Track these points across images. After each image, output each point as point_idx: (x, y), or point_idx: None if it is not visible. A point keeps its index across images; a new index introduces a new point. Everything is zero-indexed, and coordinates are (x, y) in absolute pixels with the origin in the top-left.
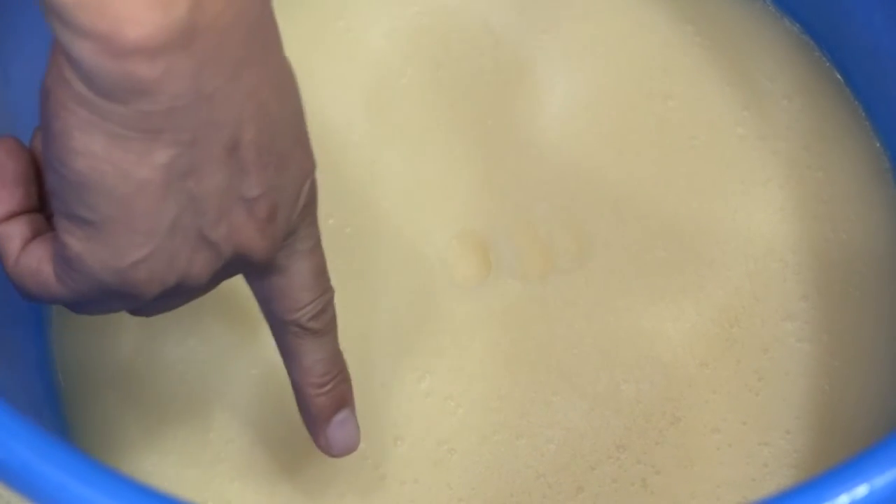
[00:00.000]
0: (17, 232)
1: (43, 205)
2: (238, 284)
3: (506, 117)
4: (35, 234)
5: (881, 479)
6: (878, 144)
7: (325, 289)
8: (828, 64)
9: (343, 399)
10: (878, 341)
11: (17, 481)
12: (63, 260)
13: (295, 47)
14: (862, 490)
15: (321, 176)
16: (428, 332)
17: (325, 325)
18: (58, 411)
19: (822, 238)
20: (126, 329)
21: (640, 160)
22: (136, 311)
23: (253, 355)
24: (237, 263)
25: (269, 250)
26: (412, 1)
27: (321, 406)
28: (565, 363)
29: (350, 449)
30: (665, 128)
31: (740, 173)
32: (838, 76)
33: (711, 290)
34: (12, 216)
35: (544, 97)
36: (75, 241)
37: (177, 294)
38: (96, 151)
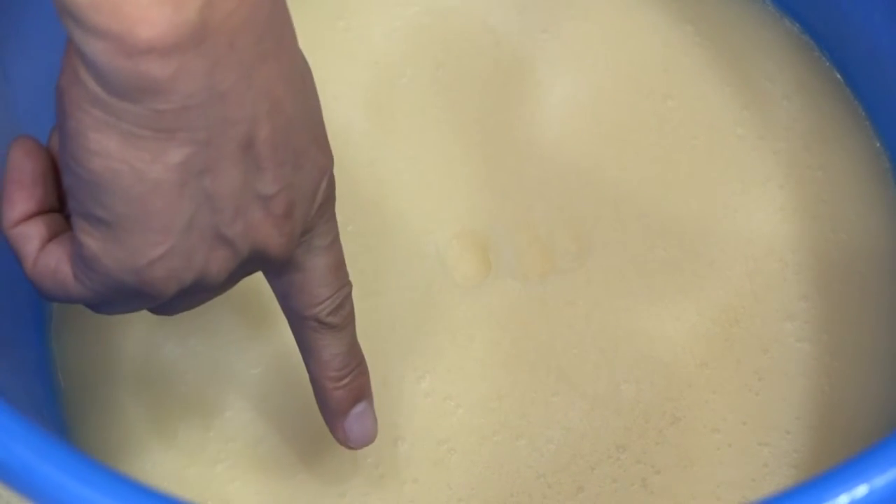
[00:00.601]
0: (35, 232)
1: (62, 204)
2: (239, 284)
3: (506, 117)
4: (53, 235)
5: (881, 479)
6: (878, 144)
7: (343, 283)
8: (828, 64)
9: (361, 392)
10: (878, 342)
11: (17, 481)
12: (80, 260)
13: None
14: (862, 490)
15: None
16: (428, 332)
17: (344, 319)
18: (58, 411)
19: (822, 238)
20: (126, 329)
21: (640, 160)
22: (156, 310)
23: (253, 355)
24: (255, 261)
25: (287, 247)
26: (412, 1)
27: (339, 399)
28: (565, 363)
29: (368, 441)
30: (665, 128)
31: (740, 173)
32: (838, 76)
33: (711, 290)
34: (31, 216)
35: (544, 97)
36: (92, 241)
37: (195, 292)
38: (111, 151)
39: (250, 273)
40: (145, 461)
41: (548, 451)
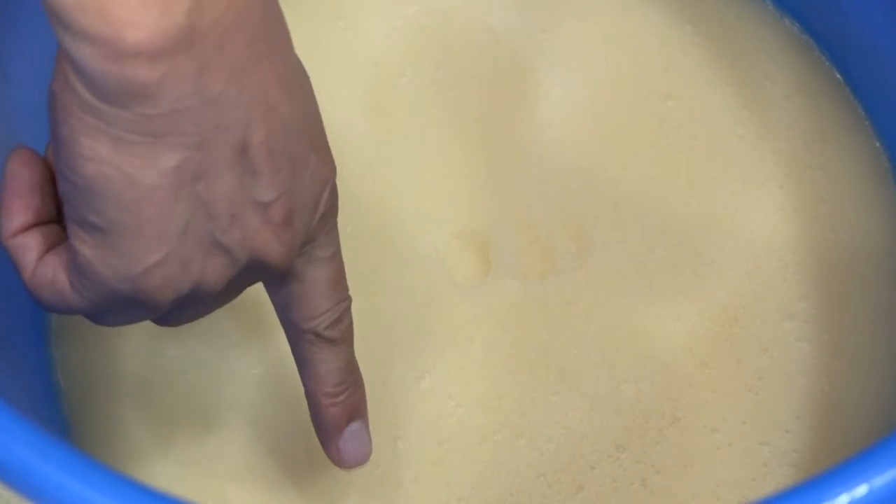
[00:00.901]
0: (33, 243)
1: (60, 215)
2: None
3: (506, 117)
4: (51, 246)
5: (881, 479)
6: (878, 144)
7: (342, 297)
8: (828, 64)
9: (356, 409)
10: (878, 341)
11: (17, 481)
12: (76, 268)
13: (294, 47)
14: (862, 490)
15: None
16: (428, 332)
17: (342, 333)
18: (58, 412)
19: (822, 238)
20: (126, 330)
21: (640, 160)
22: (158, 321)
23: (253, 355)
24: (254, 270)
25: (287, 256)
26: (412, 1)
27: (334, 416)
28: (565, 363)
29: (361, 461)
30: (665, 128)
31: (740, 173)
32: (838, 76)
33: (711, 290)
34: (29, 227)
35: (544, 97)
36: (87, 248)
37: (194, 301)
38: (103, 156)
39: (250, 284)
40: (145, 461)
41: (548, 450)
